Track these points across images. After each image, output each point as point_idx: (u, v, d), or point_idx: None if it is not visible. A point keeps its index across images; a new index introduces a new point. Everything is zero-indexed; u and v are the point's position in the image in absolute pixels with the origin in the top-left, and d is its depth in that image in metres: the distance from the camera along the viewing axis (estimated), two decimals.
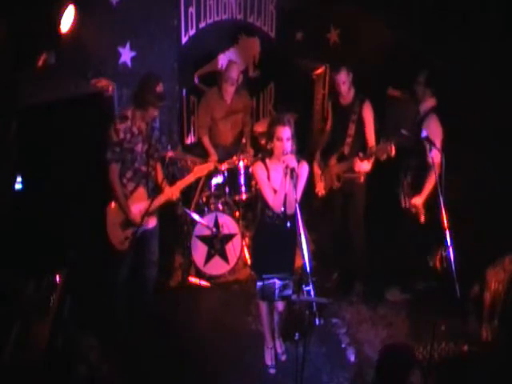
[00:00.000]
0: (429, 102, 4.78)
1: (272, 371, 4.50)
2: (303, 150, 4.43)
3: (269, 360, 4.54)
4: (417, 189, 4.76)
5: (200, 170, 4.66)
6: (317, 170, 5.18)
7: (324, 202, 5.38)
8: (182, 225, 5.45)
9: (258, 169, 4.13)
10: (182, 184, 4.58)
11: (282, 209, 4.09)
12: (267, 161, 4.13)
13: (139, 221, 4.34)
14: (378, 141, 4.88)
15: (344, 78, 4.87)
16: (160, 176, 4.59)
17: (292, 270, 4.32)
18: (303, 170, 4.10)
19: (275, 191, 4.06)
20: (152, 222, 4.51)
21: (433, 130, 4.53)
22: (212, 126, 5.71)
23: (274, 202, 4.08)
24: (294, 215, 3.96)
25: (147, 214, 4.33)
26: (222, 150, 5.73)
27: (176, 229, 5.64)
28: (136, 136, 4.30)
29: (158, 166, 4.61)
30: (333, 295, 4.98)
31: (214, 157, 5.58)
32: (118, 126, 4.23)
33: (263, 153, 4.28)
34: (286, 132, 3.94)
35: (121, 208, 4.36)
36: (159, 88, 4.44)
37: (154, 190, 4.49)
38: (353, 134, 4.90)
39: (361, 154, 4.72)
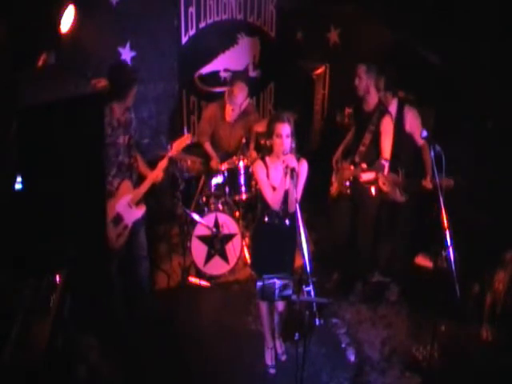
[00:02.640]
0: (394, 102, 4.97)
1: (272, 371, 4.50)
2: (302, 150, 4.44)
3: (269, 360, 4.54)
4: (417, 175, 4.81)
5: (178, 144, 4.76)
6: (334, 171, 5.20)
7: (332, 205, 5.36)
8: (181, 225, 5.45)
9: (258, 167, 4.16)
10: (163, 164, 4.66)
11: (281, 206, 4.11)
12: (267, 159, 4.15)
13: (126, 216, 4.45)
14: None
15: (361, 73, 4.84)
16: (142, 165, 4.68)
17: (292, 270, 4.33)
18: (303, 168, 4.13)
19: (274, 189, 4.08)
20: (140, 211, 4.57)
21: (413, 122, 4.93)
22: (214, 134, 5.72)
23: (273, 200, 4.10)
24: (294, 214, 3.97)
25: (135, 202, 4.47)
26: (223, 153, 5.74)
27: (176, 228, 5.65)
28: (117, 129, 4.39)
29: (139, 156, 4.68)
30: (333, 295, 4.98)
31: (215, 160, 5.59)
32: None
33: (263, 150, 4.29)
34: (285, 129, 3.98)
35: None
36: (129, 68, 4.56)
37: (138, 182, 4.59)
38: (367, 143, 4.88)
39: (364, 165, 4.75)
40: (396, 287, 5.20)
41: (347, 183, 5.04)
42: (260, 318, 4.55)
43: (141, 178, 4.63)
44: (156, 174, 4.59)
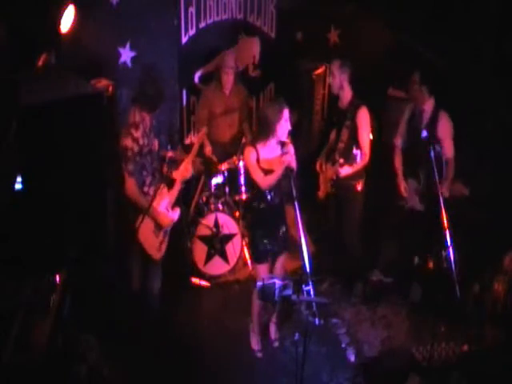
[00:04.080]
0: (430, 102, 4.83)
1: (260, 355, 4.59)
2: (302, 150, 4.45)
3: (255, 345, 4.63)
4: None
5: (198, 139, 4.88)
6: (320, 173, 5.18)
7: (322, 206, 5.36)
8: (182, 225, 5.45)
9: (249, 153, 4.30)
10: (189, 160, 4.64)
11: (275, 192, 4.28)
12: (257, 145, 4.28)
13: (168, 222, 4.43)
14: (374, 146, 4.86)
15: (334, 70, 4.82)
16: (165, 168, 4.65)
17: (288, 241, 4.45)
18: (291, 151, 4.27)
19: (266, 172, 4.22)
20: (176, 214, 4.54)
21: (446, 131, 4.74)
22: (210, 123, 5.71)
23: (264, 182, 4.24)
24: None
25: (171, 206, 4.46)
26: (220, 149, 5.73)
27: (177, 229, 5.64)
28: (149, 135, 4.35)
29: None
30: (332, 296, 4.99)
31: (208, 147, 5.57)
32: (136, 135, 4.22)
33: (258, 135, 4.37)
34: (287, 113, 4.24)
35: (149, 217, 4.34)
36: (159, 85, 4.52)
37: (169, 185, 4.58)
38: (345, 139, 4.82)
39: (341, 160, 4.72)
40: (419, 287, 5.12)
41: (331, 183, 5.01)
42: (251, 304, 4.58)
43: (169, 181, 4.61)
44: (186, 168, 4.56)
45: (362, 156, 4.64)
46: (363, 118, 4.79)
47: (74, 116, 4.34)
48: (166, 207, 4.46)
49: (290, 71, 6.61)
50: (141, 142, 4.26)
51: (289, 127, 4.25)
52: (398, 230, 5.16)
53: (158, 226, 4.41)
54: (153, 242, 4.40)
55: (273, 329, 4.68)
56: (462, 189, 4.52)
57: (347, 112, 4.83)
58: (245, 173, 5.47)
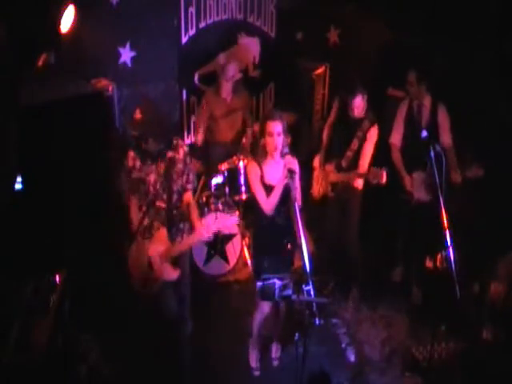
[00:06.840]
0: (427, 98, 4.93)
1: (257, 373, 4.45)
2: (302, 150, 4.43)
3: (253, 362, 4.49)
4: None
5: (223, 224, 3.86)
6: (316, 172, 5.17)
7: (319, 208, 5.31)
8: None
9: (252, 170, 4.08)
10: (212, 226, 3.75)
11: (278, 209, 4.04)
12: (261, 161, 4.07)
13: (156, 268, 3.83)
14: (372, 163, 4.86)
15: (359, 103, 4.76)
16: (194, 214, 3.98)
17: (291, 266, 4.26)
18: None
19: (271, 189, 4.00)
20: (174, 273, 3.85)
21: (445, 118, 4.88)
22: (212, 125, 5.71)
23: (267, 205, 4.02)
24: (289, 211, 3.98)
25: (168, 259, 3.82)
26: (221, 149, 5.73)
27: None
28: (148, 165, 3.91)
29: (192, 204, 4.03)
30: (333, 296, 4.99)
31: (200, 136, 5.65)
32: (129, 152, 3.92)
33: (257, 151, 4.15)
34: (276, 127, 3.90)
35: (137, 247, 3.94)
36: (137, 115, 3.88)
37: (177, 233, 4.00)
38: (355, 149, 4.85)
39: (355, 172, 4.81)
40: (419, 290, 5.13)
41: (330, 185, 5.01)
42: (256, 316, 4.39)
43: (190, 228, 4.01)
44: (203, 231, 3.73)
45: (360, 167, 4.80)
46: (374, 135, 4.83)
47: (74, 116, 4.36)
48: (158, 254, 3.81)
49: (290, 71, 6.61)
50: (130, 162, 3.90)
51: (278, 142, 3.91)
52: (404, 226, 5.19)
53: (149, 264, 3.86)
54: (137, 274, 3.95)
55: (274, 348, 4.58)
56: (477, 171, 4.61)
57: (360, 122, 4.82)
58: (245, 173, 5.46)
